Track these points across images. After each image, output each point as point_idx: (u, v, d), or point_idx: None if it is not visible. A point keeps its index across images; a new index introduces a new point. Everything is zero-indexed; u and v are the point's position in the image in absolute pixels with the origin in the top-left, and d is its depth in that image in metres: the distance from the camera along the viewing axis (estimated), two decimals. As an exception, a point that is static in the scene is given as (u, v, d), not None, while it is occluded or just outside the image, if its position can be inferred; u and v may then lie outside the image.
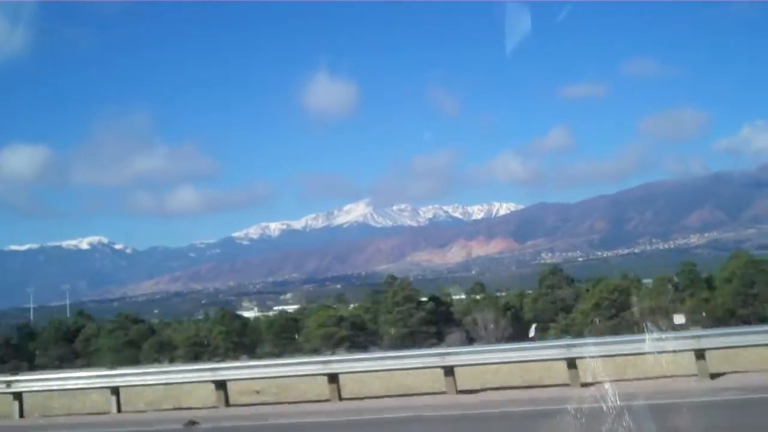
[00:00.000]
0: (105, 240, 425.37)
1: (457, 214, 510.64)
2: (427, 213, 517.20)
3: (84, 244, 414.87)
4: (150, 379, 17.33)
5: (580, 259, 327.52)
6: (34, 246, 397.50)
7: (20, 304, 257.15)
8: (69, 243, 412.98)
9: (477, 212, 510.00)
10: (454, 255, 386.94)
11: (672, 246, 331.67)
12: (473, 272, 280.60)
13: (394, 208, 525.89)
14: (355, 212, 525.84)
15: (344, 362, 16.02)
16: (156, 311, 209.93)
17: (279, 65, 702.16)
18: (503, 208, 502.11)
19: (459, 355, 15.41)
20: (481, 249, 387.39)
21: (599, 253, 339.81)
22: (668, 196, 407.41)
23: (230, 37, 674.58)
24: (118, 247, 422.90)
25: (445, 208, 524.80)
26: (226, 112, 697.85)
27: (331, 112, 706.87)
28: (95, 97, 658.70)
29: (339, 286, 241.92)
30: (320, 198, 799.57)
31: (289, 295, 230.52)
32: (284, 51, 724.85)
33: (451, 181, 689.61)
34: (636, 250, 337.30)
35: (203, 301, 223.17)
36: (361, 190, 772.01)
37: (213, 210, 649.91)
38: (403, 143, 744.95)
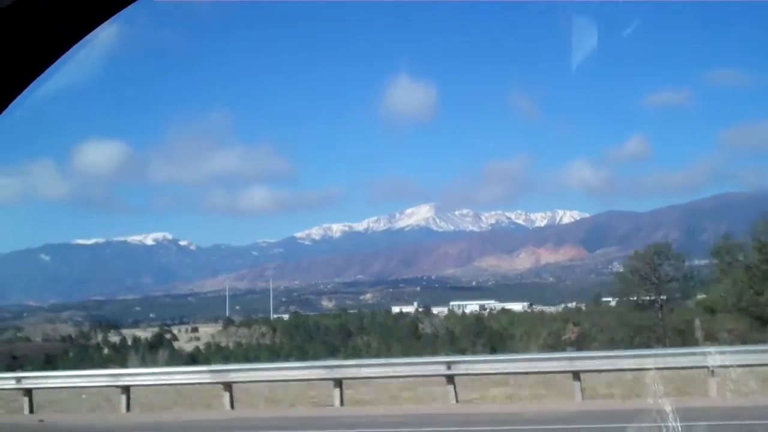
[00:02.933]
0: (170, 236, 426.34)
1: (520, 221, 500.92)
2: (489, 219, 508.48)
3: (149, 240, 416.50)
4: None
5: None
6: (101, 240, 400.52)
7: (87, 297, 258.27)
8: (134, 238, 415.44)
9: (540, 219, 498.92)
10: (522, 261, 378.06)
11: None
12: (551, 279, 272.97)
13: (456, 213, 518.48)
14: (417, 216, 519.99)
15: None
16: (237, 307, 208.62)
17: (358, 69, 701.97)
18: (567, 216, 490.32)
19: None
20: (549, 256, 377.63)
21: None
22: (742, 208, 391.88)
23: (309, 40, 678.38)
24: (182, 243, 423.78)
25: (507, 214, 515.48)
26: (305, 114, 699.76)
27: (405, 117, 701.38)
28: (176, 95, 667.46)
29: (418, 288, 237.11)
30: (384, 201, 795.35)
31: (369, 295, 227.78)
32: (363, 56, 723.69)
33: (516, 188, 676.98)
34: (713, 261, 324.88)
35: (283, 299, 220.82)
36: (426, 193, 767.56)
37: (278, 210, 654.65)
38: (473, 149, 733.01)
